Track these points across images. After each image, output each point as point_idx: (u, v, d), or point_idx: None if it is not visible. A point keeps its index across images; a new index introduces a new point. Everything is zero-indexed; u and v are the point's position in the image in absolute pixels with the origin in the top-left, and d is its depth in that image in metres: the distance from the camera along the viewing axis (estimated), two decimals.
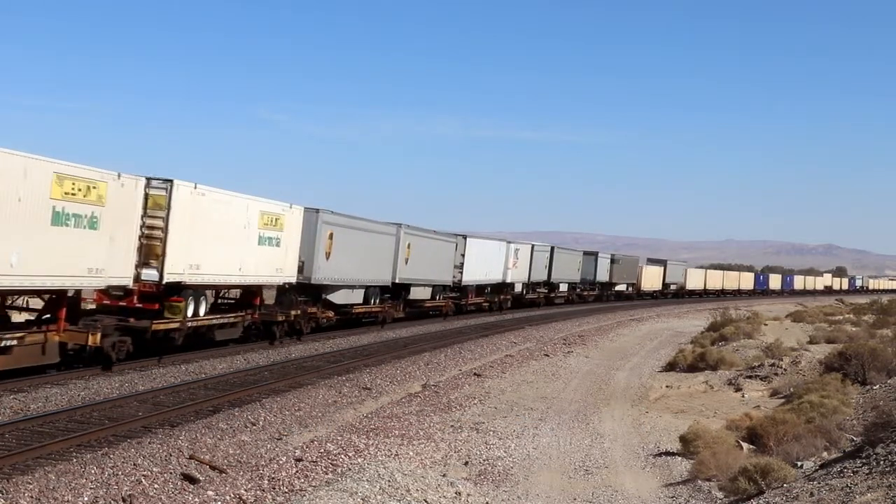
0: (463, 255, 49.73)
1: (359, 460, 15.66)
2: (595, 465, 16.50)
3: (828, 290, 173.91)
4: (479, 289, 55.08)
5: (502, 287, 58.29)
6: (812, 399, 19.33)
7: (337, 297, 34.96)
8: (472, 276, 51.55)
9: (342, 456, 16.09)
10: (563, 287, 73.75)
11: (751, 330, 41.81)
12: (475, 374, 27.91)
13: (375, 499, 12.34)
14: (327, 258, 32.97)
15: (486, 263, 53.99)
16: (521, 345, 37.88)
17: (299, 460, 15.51)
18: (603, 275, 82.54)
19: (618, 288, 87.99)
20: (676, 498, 14.30)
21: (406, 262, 41.55)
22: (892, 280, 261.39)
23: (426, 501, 12.74)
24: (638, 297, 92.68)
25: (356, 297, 36.71)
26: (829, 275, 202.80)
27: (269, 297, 32.24)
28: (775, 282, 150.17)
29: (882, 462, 12.29)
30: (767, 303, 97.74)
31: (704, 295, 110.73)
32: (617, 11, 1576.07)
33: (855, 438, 15.65)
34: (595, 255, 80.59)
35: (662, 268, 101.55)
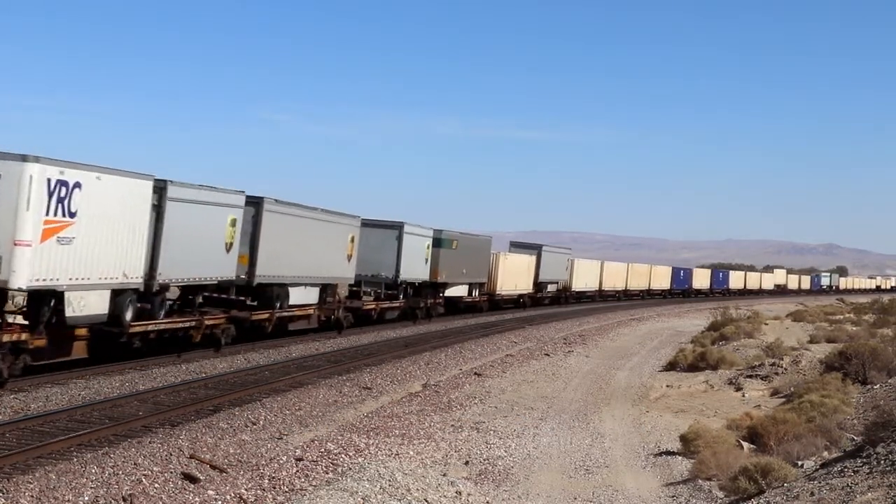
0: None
1: (359, 460, 15.66)
2: (595, 465, 16.51)
3: (780, 291, 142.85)
4: None
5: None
6: (812, 398, 19.34)
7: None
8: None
9: (343, 455, 16.10)
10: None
11: (751, 329, 41.82)
12: (476, 373, 27.93)
13: (376, 498, 12.35)
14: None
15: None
16: (521, 344, 37.90)
17: (300, 460, 15.52)
18: (413, 267, 43.46)
19: (453, 291, 50.37)
20: (677, 497, 14.31)
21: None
22: (871, 278, 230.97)
23: (427, 501, 12.75)
24: (492, 307, 56.56)
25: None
26: (784, 271, 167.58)
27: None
28: (702, 279, 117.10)
29: (883, 461, 12.29)
30: (768, 302, 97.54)
31: (599, 297, 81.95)
32: (617, 11, 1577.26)
33: (855, 438, 15.65)
34: (399, 228, 42.06)
35: (534, 257, 64.81)
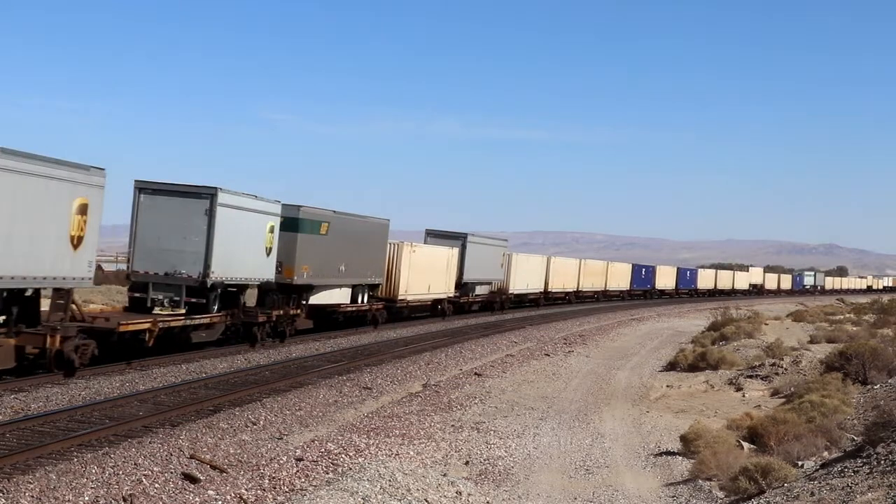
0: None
1: (359, 460, 15.66)
2: (596, 465, 16.50)
3: (756, 291, 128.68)
4: None
5: None
6: (813, 398, 19.33)
7: None
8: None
9: (343, 455, 16.10)
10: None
11: (751, 329, 41.77)
12: (476, 373, 27.92)
13: (376, 498, 12.34)
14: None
15: None
16: (521, 344, 37.89)
17: (300, 460, 15.51)
18: (241, 260, 28.35)
19: (325, 296, 35.06)
20: (677, 497, 14.30)
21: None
22: (862, 278, 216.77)
23: (427, 501, 12.74)
24: (392, 318, 41.75)
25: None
26: (760, 270, 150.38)
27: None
28: (666, 279, 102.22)
29: (883, 461, 12.28)
30: (768, 302, 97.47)
31: (545, 302, 67.23)
32: (617, 10, 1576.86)
33: (855, 438, 15.64)
34: (210, 197, 26.83)
35: (456, 250, 49.26)
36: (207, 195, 26.68)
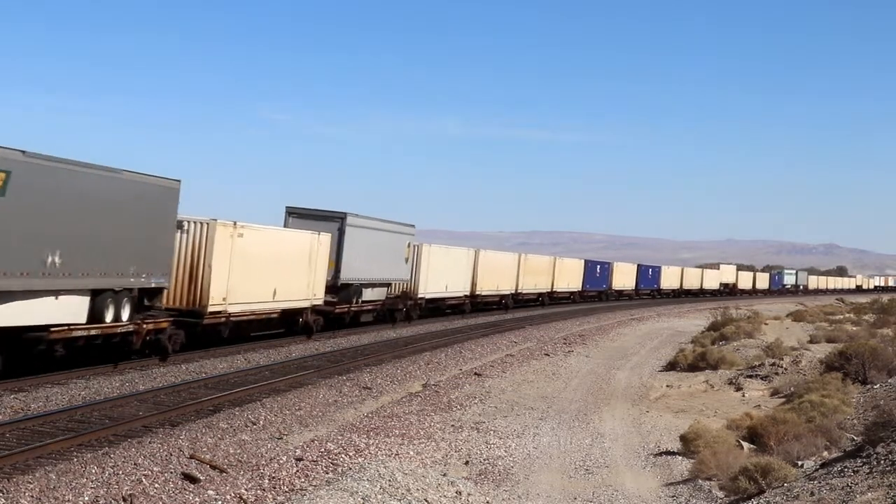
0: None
1: (359, 460, 15.66)
2: (596, 465, 16.50)
3: (728, 292, 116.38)
4: None
5: None
6: (812, 398, 19.34)
7: None
8: None
9: (343, 455, 16.10)
10: None
11: (751, 329, 41.79)
12: (476, 373, 27.93)
13: (376, 498, 12.34)
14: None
15: None
16: (521, 344, 37.89)
17: (300, 460, 15.52)
18: None
19: (15, 312, 18.69)
20: (677, 497, 14.30)
21: None
22: (852, 277, 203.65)
23: (427, 501, 12.74)
24: (195, 343, 26.70)
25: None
26: (733, 268, 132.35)
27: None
28: (624, 278, 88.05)
29: (882, 461, 12.29)
30: (767, 302, 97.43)
31: (471, 308, 52.39)
32: (617, 11, 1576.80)
33: (855, 438, 15.64)
34: None
35: (327, 237, 34.63)
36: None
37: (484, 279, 54.52)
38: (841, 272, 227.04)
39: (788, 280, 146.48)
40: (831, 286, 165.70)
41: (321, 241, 33.82)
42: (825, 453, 15.39)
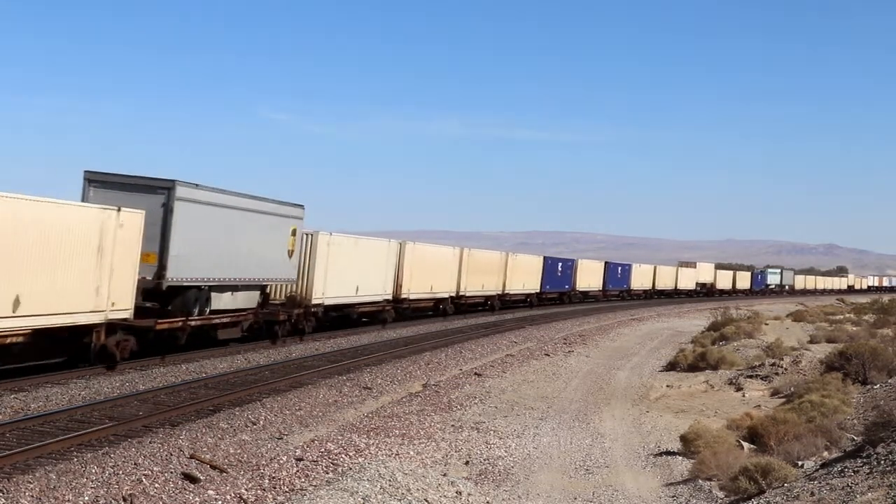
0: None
1: (359, 460, 15.66)
2: (596, 465, 16.50)
3: (705, 292, 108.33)
4: None
5: None
6: (813, 398, 19.33)
7: None
8: None
9: (343, 455, 16.10)
10: None
11: (751, 329, 41.77)
12: (476, 373, 27.92)
13: (376, 498, 12.33)
14: None
15: None
16: (521, 344, 37.87)
17: (300, 460, 15.52)
18: None
19: None
20: (677, 497, 14.30)
21: None
22: (843, 277, 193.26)
23: (427, 501, 12.74)
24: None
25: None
26: (711, 266, 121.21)
27: None
28: (589, 277, 77.60)
29: (883, 461, 12.28)
30: (767, 302, 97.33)
31: (392, 315, 41.14)
32: (617, 10, 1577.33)
33: (855, 438, 15.64)
34: None
35: (140, 216, 23.07)
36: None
37: (413, 279, 43.43)
38: (841, 272, 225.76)
39: (772, 280, 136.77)
40: (820, 286, 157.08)
41: (124, 221, 22.41)
42: (825, 453, 15.38)
